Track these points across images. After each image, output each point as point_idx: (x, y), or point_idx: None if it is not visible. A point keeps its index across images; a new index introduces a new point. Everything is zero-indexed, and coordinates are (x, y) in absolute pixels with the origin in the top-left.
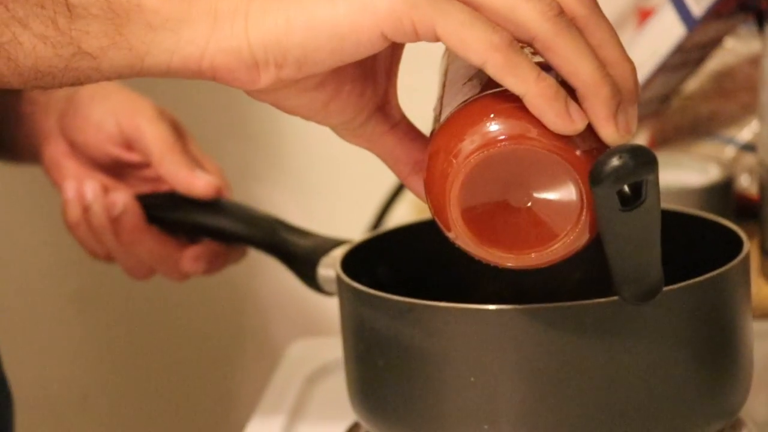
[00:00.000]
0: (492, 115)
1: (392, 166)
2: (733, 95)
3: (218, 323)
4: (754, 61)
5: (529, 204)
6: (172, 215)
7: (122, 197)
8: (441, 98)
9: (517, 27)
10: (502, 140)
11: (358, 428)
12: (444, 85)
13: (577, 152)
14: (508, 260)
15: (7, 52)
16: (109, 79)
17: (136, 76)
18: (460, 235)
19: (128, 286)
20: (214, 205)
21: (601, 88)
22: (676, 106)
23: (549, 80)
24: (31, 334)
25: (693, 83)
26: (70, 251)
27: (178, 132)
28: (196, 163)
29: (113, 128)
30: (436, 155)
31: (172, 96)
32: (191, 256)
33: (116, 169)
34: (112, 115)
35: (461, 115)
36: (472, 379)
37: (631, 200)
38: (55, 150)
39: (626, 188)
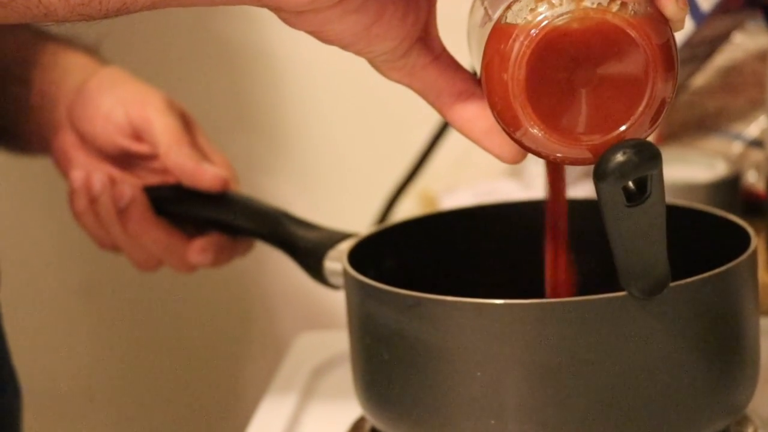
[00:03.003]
0: None
1: (434, 100)
2: (740, 91)
3: (225, 316)
4: (762, 57)
5: (596, 85)
6: (180, 207)
7: (130, 189)
8: (486, 11)
9: None
10: (565, 15)
11: (363, 422)
12: (485, 6)
13: (641, 25)
14: (582, 147)
15: None
16: (154, 4)
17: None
18: (528, 128)
19: (135, 277)
20: (221, 197)
21: None
22: (683, 101)
23: None
24: (39, 326)
25: (700, 78)
26: (77, 244)
27: (187, 123)
28: (204, 155)
29: (122, 119)
30: (495, 46)
31: (181, 87)
32: (198, 248)
33: (125, 161)
34: (121, 105)
35: None
36: (479, 373)
37: (637, 196)
38: (64, 141)
39: (631, 184)
